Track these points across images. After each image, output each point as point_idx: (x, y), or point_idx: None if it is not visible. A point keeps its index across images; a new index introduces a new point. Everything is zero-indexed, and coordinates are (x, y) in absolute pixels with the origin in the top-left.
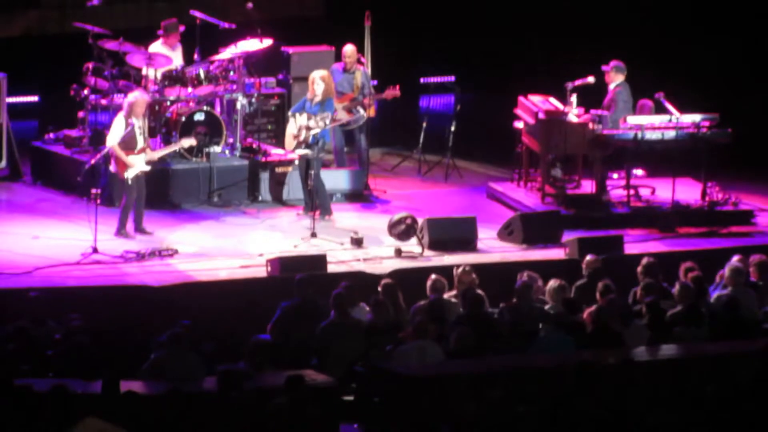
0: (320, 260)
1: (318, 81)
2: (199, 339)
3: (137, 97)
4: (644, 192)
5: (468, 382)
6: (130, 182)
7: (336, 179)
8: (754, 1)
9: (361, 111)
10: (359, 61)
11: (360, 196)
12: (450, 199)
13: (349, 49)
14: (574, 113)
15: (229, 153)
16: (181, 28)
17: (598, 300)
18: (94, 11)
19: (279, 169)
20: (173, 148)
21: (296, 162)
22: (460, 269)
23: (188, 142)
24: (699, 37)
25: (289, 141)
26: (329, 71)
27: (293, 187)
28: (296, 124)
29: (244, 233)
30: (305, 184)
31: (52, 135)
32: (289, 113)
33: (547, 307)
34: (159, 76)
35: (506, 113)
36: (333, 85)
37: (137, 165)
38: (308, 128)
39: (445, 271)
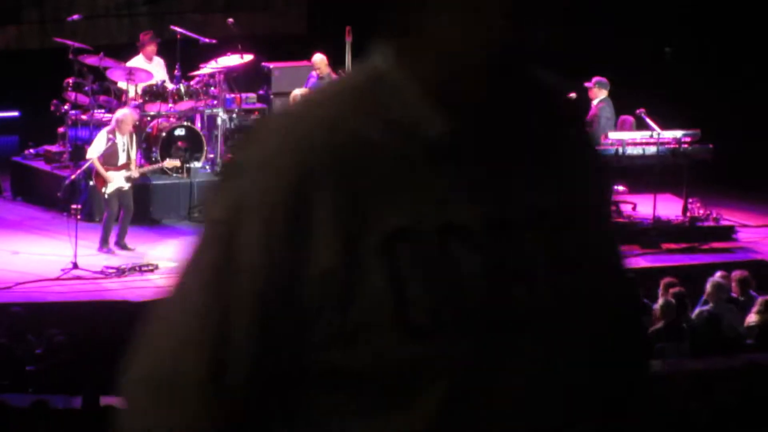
0: None
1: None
2: None
3: (125, 114)
4: (625, 208)
5: None
6: (108, 197)
7: None
8: (733, 18)
9: None
10: (338, 73)
11: None
12: None
13: (317, 58)
14: None
15: (209, 168)
16: (157, 40)
17: None
18: (74, 26)
19: None
20: (156, 167)
21: None
22: None
23: (172, 162)
24: (680, 54)
25: None
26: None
27: None
28: None
29: None
30: None
31: (32, 150)
32: None
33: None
34: (139, 91)
35: None
36: None
37: (116, 181)
38: None
39: None
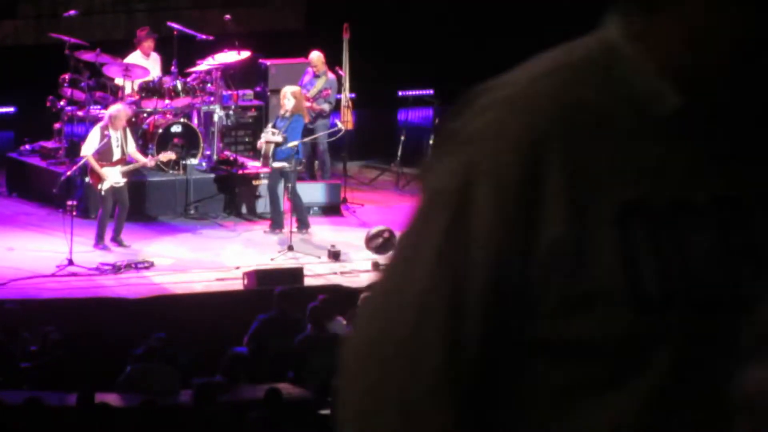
0: (297, 273)
1: (288, 96)
2: (174, 351)
3: (119, 110)
4: None
5: None
6: (104, 193)
7: (313, 192)
8: None
9: (315, 114)
10: (334, 70)
11: (337, 209)
12: None
13: (314, 55)
14: None
15: (206, 165)
16: (154, 36)
17: None
18: (70, 22)
19: (256, 182)
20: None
21: (262, 175)
22: None
23: (167, 156)
24: None
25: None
26: (302, 85)
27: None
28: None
29: (220, 246)
30: (275, 197)
31: (28, 146)
32: (264, 131)
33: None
34: (136, 87)
35: None
36: (304, 101)
37: (111, 177)
38: (268, 142)
39: None
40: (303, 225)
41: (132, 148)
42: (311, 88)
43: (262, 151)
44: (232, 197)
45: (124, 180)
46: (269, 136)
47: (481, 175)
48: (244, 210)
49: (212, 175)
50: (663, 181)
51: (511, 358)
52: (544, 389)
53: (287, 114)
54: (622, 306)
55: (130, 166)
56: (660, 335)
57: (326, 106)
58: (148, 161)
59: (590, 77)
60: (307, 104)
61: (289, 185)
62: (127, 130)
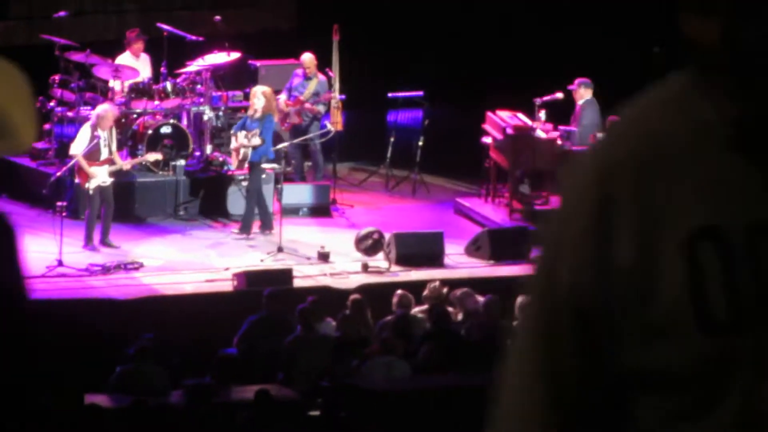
0: (286, 274)
1: (259, 96)
2: (164, 352)
3: (106, 110)
4: None
5: (435, 399)
6: (91, 193)
7: (302, 193)
8: None
9: (310, 116)
10: (324, 72)
11: (326, 210)
12: (417, 214)
13: (306, 57)
14: (541, 130)
15: (195, 166)
16: (144, 37)
17: None
18: (61, 23)
19: (245, 183)
20: (138, 161)
21: (237, 176)
22: (461, 292)
23: (154, 156)
24: (669, 54)
25: (233, 158)
26: (293, 87)
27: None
28: (237, 142)
29: (210, 247)
30: (262, 199)
31: None
32: (231, 132)
33: (515, 323)
34: (126, 88)
35: (474, 128)
36: (275, 101)
37: (99, 176)
38: (244, 146)
39: (412, 286)
40: (262, 226)
41: (114, 148)
42: (303, 90)
43: (240, 155)
44: (221, 198)
45: (110, 180)
46: (249, 140)
47: (564, 224)
48: (233, 211)
49: (202, 176)
50: (737, 204)
51: (610, 394)
52: (638, 424)
53: (257, 114)
54: (693, 332)
55: (114, 167)
56: (738, 359)
57: (321, 108)
58: (124, 164)
59: (661, 112)
60: (306, 106)
61: (279, 186)
62: (113, 130)
